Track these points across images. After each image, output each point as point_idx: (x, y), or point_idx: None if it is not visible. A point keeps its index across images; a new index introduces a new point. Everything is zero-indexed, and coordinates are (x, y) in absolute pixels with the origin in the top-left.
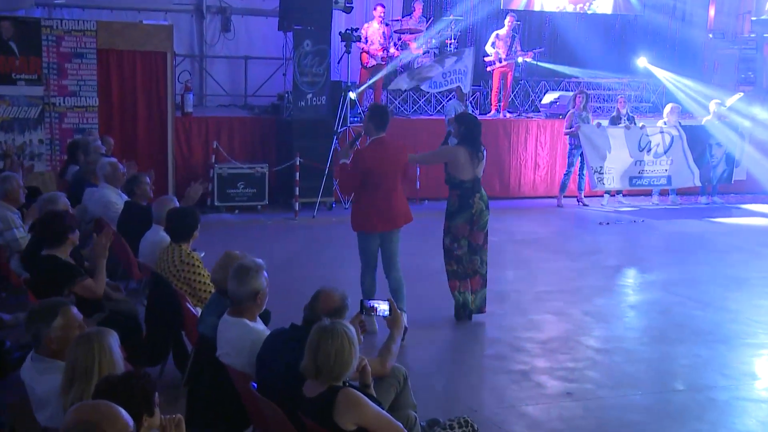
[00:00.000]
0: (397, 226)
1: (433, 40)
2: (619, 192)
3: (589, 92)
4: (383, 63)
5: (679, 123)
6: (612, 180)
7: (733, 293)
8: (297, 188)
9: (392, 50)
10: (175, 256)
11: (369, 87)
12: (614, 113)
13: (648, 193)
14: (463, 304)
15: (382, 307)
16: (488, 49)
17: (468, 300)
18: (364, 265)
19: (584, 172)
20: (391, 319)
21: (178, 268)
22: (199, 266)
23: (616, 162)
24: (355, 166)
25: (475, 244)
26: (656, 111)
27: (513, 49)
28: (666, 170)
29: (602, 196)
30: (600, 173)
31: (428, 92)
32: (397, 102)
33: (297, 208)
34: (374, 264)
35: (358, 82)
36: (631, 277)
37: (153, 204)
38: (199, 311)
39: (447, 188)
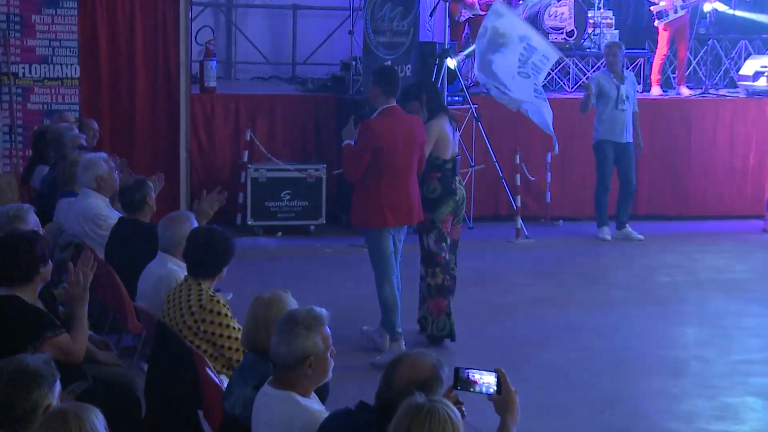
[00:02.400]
0: (412, 221)
1: None
2: None
3: None
4: (483, 14)
5: None
6: None
7: None
8: None
9: None
10: (192, 299)
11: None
12: None
13: None
14: (451, 326)
15: (486, 379)
16: None
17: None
18: (380, 272)
19: None
20: (501, 400)
21: (195, 318)
22: (226, 315)
23: None
24: (364, 143)
25: (453, 242)
26: None
27: None
28: None
29: None
30: None
31: (563, 60)
32: None
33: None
34: (392, 268)
35: (458, 44)
36: None
37: (159, 222)
38: (225, 380)
39: (589, 204)
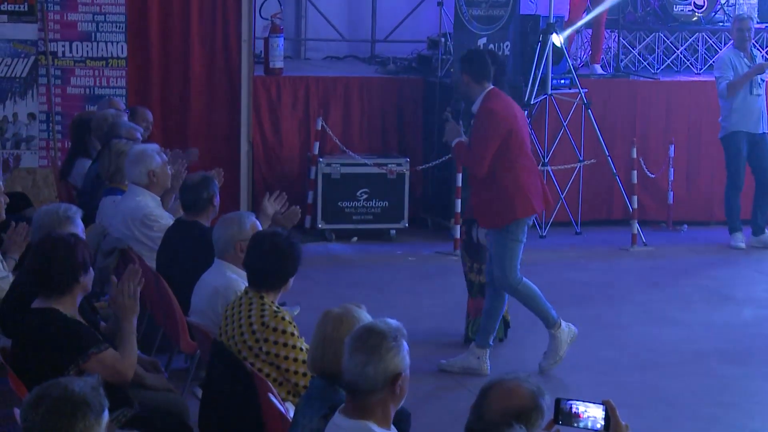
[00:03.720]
0: (551, 205)
1: None
2: None
3: None
4: None
5: None
6: None
7: None
8: (458, 201)
9: None
10: (253, 314)
11: (585, 27)
12: None
13: None
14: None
15: (592, 412)
16: None
17: None
18: (517, 274)
19: None
20: None
21: (257, 337)
22: (292, 334)
23: None
24: (492, 131)
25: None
26: None
27: None
28: None
29: None
30: None
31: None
32: (635, 52)
33: (458, 235)
34: None
35: (567, 19)
36: None
37: (215, 226)
38: (291, 409)
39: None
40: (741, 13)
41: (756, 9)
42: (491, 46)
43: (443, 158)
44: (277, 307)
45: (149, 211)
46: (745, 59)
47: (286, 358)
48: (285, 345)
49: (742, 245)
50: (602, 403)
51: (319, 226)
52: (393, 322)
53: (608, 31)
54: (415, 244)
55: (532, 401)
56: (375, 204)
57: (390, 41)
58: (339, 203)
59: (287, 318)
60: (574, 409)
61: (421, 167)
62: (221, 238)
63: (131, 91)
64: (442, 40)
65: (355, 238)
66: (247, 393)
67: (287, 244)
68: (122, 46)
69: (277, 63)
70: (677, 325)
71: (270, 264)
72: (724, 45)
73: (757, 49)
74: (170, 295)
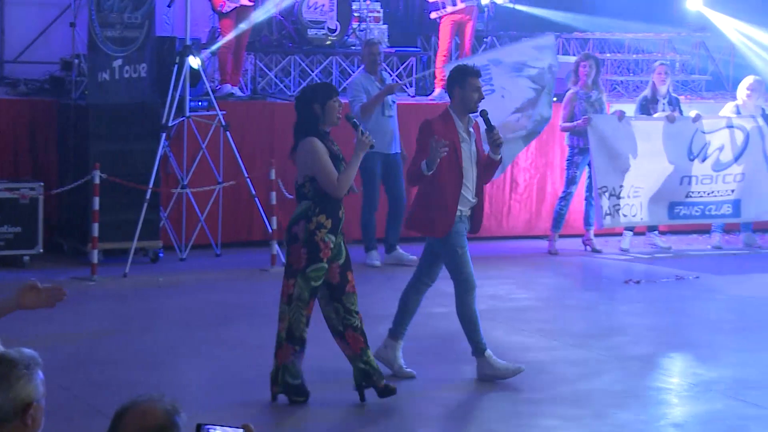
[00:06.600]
0: None
1: None
2: (654, 228)
3: (602, 56)
4: (251, 3)
5: (763, 110)
6: (637, 208)
7: None
8: (96, 226)
9: None
10: None
11: (227, 48)
12: (646, 93)
13: (704, 230)
14: None
15: None
16: None
17: None
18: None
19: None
20: None
21: None
22: None
23: (647, 177)
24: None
25: None
26: (719, 88)
27: None
28: (732, 191)
29: (622, 234)
30: (618, 197)
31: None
32: (272, 75)
33: (96, 260)
34: None
35: (205, 40)
36: (676, 375)
37: None
38: None
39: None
40: (371, 37)
41: (386, 34)
42: (126, 67)
43: (78, 182)
44: None
45: None
46: (377, 82)
47: None
48: None
49: (378, 263)
50: (241, 427)
51: None
52: (27, 351)
53: (245, 53)
54: (51, 270)
55: (167, 419)
56: (7, 230)
57: (20, 62)
58: None
59: None
60: None
61: (55, 191)
62: None
63: None
64: (76, 61)
65: None
66: None
67: None
68: None
69: None
70: (319, 343)
71: None
72: (357, 68)
73: (387, 72)
74: None
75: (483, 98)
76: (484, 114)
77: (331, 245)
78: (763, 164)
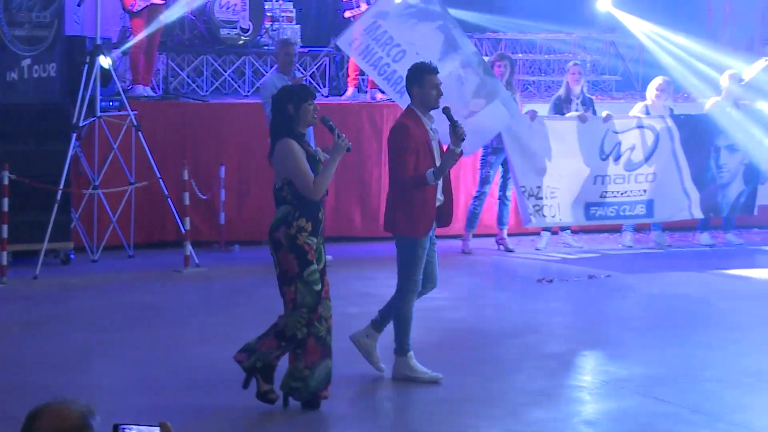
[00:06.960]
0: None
1: None
2: (566, 228)
3: (515, 57)
4: (162, 2)
5: (672, 110)
6: (556, 209)
7: (756, 398)
8: (5, 227)
9: None
10: None
11: (138, 47)
12: (560, 93)
13: (616, 230)
14: None
15: None
16: None
17: None
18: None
19: (508, 194)
20: None
21: None
22: None
23: (562, 177)
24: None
25: None
26: (629, 88)
27: None
28: (645, 191)
29: (539, 234)
30: (537, 198)
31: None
32: (184, 75)
33: (5, 262)
34: None
35: (116, 39)
36: (588, 373)
37: None
38: None
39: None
40: (286, 37)
41: (299, 34)
42: (36, 67)
43: None
44: None
45: None
46: (290, 82)
47: None
48: None
49: None
50: (159, 425)
51: None
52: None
53: (157, 53)
54: None
55: (82, 421)
56: None
57: None
58: None
59: None
60: None
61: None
62: None
63: None
64: None
65: None
66: None
67: None
68: None
69: None
70: (233, 344)
71: None
72: (270, 68)
73: (300, 72)
74: None
75: (442, 94)
76: (446, 111)
77: (314, 247)
78: (672, 164)
